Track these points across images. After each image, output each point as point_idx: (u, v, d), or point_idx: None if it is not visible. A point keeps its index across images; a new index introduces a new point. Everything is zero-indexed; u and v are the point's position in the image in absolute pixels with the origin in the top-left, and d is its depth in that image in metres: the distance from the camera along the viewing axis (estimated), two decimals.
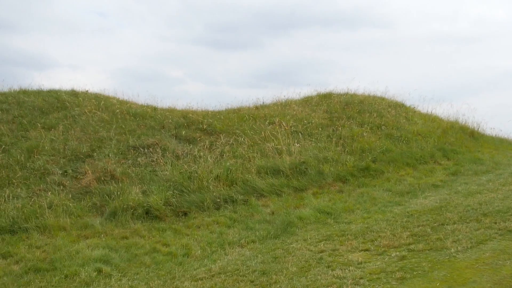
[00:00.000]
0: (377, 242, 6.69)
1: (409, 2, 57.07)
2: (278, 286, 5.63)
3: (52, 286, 6.50)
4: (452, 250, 6.12)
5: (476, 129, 14.69)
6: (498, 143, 14.23)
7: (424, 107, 15.94)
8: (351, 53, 56.08)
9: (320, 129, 12.96)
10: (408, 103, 16.05)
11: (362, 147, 11.92)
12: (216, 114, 13.48)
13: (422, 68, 51.28)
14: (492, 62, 52.38)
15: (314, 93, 16.28)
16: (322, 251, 6.65)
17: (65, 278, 6.65)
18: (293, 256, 6.61)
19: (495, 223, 7.00)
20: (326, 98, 15.61)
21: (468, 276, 5.30)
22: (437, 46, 54.47)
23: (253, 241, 7.69)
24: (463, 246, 6.21)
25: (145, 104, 14.50)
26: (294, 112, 14.03)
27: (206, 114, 13.46)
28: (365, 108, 14.58)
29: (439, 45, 54.60)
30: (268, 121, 13.10)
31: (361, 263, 6.03)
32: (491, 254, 5.85)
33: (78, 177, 10.25)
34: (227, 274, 6.25)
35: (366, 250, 6.49)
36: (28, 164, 10.43)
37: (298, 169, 10.63)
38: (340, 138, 12.40)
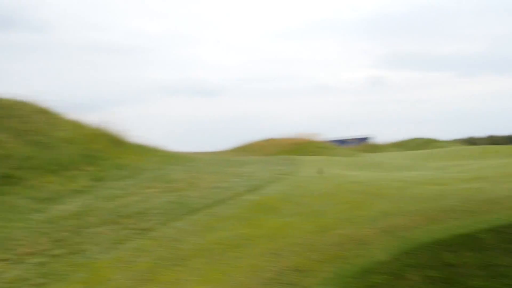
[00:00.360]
0: (16, 251, 6.43)
1: (66, 7, 56.21)
2: None
3: None
4: (92, 252, 6.41)
5: (121, 137, 15.51)
6: (142, 150, 15.38)
7: (74, 114, 15.93)
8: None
9: None
10: (57, 109, 15.70)
11: (4, 154, 11.09)
12: None
13: (75, 75, 51.17)
14: (142, 73, 56.63)
15: None
16: None
17: None
18: None
19: (134, 224, 7.62)
20: None
21: (106, 275, 5.69)
22: (91, 55, 55.36)
23: None
24: (103, 247, 6.58)
25: None
26: None
27: None
28: (9, 113, 13.59)
29: (94, 54, 55.66)
30: None
31: None
32: (129, 253, 6.38)
33: None
34: None
35: (4, 260, 6.16)
36: None
37: None
38: None
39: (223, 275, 5.35)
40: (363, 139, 63.83)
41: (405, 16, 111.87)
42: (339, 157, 22.23)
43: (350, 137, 65.33)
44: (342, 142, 58.32)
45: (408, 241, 5.53)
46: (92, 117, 16.10)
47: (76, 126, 15.01)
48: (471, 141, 65.78)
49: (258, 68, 68.77)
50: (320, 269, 5.11)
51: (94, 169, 11.99)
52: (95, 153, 13.12)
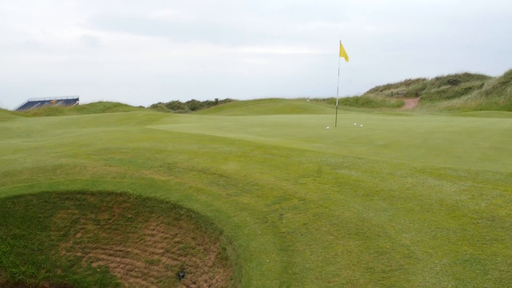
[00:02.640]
0: None
1: None
2: None
3: None
4: None
5: None
6: None
7: None
8: None
9: None
10: None
11: None
12: None
13: None
14: None
15: None
16: None
17: None
18: None
19: None
20: None
21: None
22: None
23: None
24: None
25: None
26: None
27: None
28: None
29: None
30: None
31: None
32: None
33: None
34: None
35: None
36: None
37: None
38: None
39: None
40: (71, 100, 59.58)
41: None
42: None
43: (57, 98, 60.14)
44: (43, 102, 53.58)
45: None
46: None
47: None
48: (175, 105, 68.88)
49: None
50: None
51: None
52: None
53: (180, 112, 62.21)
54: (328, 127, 15.77)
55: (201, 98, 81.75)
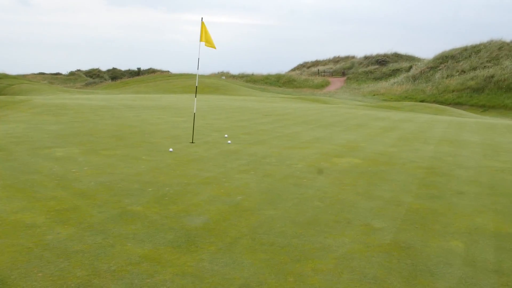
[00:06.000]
0: None
1: None
2: None
3: None
4: None
5: None
6: None
7: None
8: None
9: None
10: None
11: None
12: None
13: None
14: None
15: None
16: None
17: None
18: None
19: None
20: None
21: None
22: None
23: None
24: None
25: None
26: None
27: None
28: None
29: None
30: None
31: None
32: None
33: None
34: None
35: None
36: None
37: None
38: None
39: None
40: None
41: None
42: None
43: None
44: None
45: None
46: None
47: None
48: (94, 74, 60.41)
49: None
50: None
51: None
52: None
53: (95, 83, 54.27)
54: (171, 149, 9.97)
55: (129, 66, 74.16)
